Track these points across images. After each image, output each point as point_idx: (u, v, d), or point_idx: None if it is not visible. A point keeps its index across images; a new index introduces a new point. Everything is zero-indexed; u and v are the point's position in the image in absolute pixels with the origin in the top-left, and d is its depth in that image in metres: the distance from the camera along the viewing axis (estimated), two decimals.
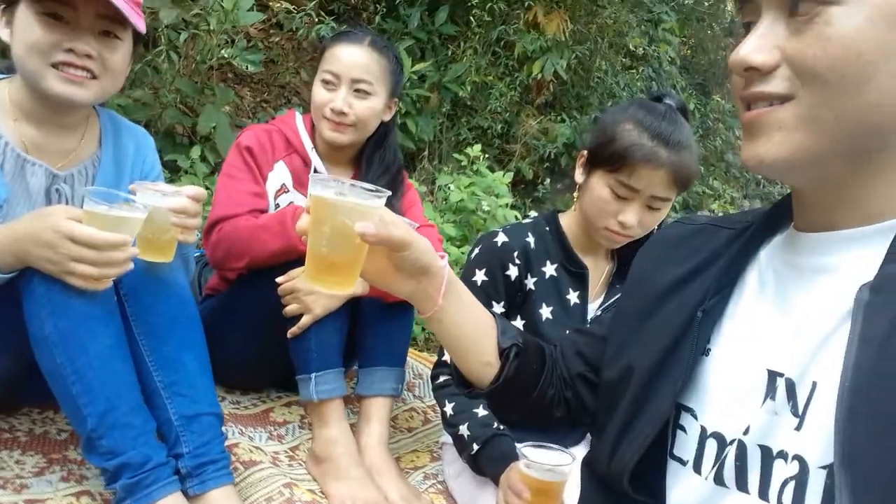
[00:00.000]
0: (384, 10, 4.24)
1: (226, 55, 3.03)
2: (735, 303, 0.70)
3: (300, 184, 1.61)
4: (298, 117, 1.66)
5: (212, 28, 2.59)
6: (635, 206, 1.30)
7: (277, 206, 1.59)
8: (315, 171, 1.61)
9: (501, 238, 1.40)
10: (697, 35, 6.35)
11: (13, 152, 1.22)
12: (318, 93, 1.56)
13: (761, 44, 0.59)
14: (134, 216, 1.06)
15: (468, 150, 3.03)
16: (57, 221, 1.00)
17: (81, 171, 1.32)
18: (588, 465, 0.83)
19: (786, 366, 0.62)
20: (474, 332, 0.84)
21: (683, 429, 0.70)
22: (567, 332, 1.39)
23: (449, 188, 2.80)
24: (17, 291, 1.06)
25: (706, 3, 6.37)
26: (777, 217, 0.72)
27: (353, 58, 1.54)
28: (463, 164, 3.02)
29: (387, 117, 1.64)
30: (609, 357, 0.81)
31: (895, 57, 0.54)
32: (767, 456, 0.61)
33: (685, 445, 0.69)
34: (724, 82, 6.24)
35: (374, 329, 1.53)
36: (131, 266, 1.07)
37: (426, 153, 3.92)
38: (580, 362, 0.89)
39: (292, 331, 1.41)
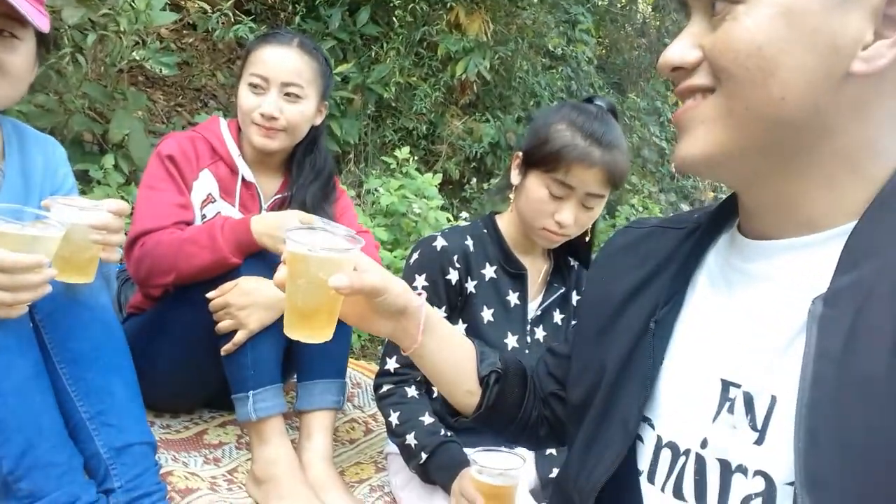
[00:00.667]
0: (304, 10, 4.15)
1: (137, 57, 2.87)
2: (687, 308, 0.70)
3: (227, 193, 1.54)
4: (223, 123, 1.59)
5: (122, 29, 2.43)
6: (571, 204, 1.32)
7: (204, 216, 1.51)
8: (243, 179, 1.55)
9: (441, 242, 1.39)
10: (612, 35, 6.57)
11: None
12: (246, 97, 1.49)
13: (682, 44, 0.61)
14: (49, 235, 0.98)
15: (397, 152, 3.01)
16: None
17: None
18: (558, 483, 0.83)
19: (741, 377, 0.61)
20: (456, 363, 0.86)
21: (641, 439, 0.69)
22: (509, 334, 1.41)
23: (378, 191, 2.76)
24: None
25: (619, 5, 6.61)
26: (721, 217, 0.72)
27: (281, 60, 1.49)
28: (392, 166, 2.99)
29: (318, 121, 1.59)
30: (573, 377, 0.82)
31: (795, 52, 0.55)
32: (726, 470, 0.61)
33: (642, 456, 0.68)
34: (639, 81, 6.50)
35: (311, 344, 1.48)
36: (49, 289, 0.98)
37: (352, 156, 3.86)
38: (551, 381, 0.90)
39: (226, 348, 1.35)
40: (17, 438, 0.95)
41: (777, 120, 0.57)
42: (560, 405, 0.89)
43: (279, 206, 1.60)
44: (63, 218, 1.03)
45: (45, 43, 1.24)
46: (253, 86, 1.49)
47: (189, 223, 1.46)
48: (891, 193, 0.57)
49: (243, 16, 3.60)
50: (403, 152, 2.96)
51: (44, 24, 1.14)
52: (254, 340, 1.35)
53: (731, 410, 0.61)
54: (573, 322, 1.46)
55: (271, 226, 1.34)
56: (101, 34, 2.42)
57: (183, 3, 3.54)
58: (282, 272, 0.74)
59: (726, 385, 0.62)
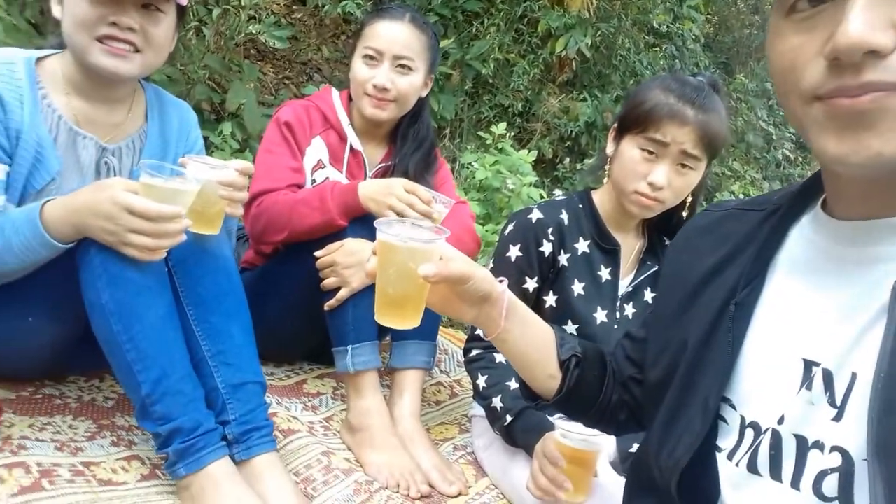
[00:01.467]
0: None
1: (254, 31, 3.04)
2: (768, 289, 0.69)
3: (336, 159, 1.64)
4: (335, 93, 1.68)
5: (242, 4, 2.59)
6: (664, 164, 1.30)
7: (314, 181, 1.62)
8: (351, 147, 1.64)
9: (536, 214, 1.42)
10: (722, 12, 6.24)
11: (66, 125, 1.25)
12: (360, 69, 1.57)
13: (876, 20, 0.49)
14: (187, 188, 1.09)
15: (493, 127, 3.03)
16: (115, 193, 1.03)
17: (129, 145, 1.35)
18: (634, 466, 0.84)
19: (823, 356, 0.61)
20: (537, 348, 0.88)
21: (724, 419, 0.69)
22: (599, 309, 1.43)
23: (473, 166, 2.81)
24: (73, 261, 1.10)
25: None
26: (805, 198, 0.70)
27: (394, 34, 1.56)
28: (487, 142, 3.03)
29: (424, 93, 1.66)
30: (651, 359, 0.82)
31: None
32: (802, 445, 0.61)
33: (726, 436, 0.69)
34: (748, 61, 6.15)
35: None
36: (184, 238, 1.10)
37: (447, 131, 3.92)
38: (629, 365, 0.91)
39: (330, 304, 1.45)
40: (154, 367, 1.08)
41: None
42: (639, 389, 0.89)
43: (383, 174, 1.69)
44: (198, 174, 1.15)
45: (183, 16, 1.36)
46: (367, 58, 1.56)
47: (301, 186, 1.57)
48: None
49: None
50: (500, 128, 2.99)
51: None
52: (355, 298, 1.43)
53: (808, 387, 0.62)
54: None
55: (377, 191, 1.41)
56: (223, 8, 2.58)
57: None
58: (373, 262, 0.78)
59: (808, 365, 0.62)
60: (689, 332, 0.73)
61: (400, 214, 1.36)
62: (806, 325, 0.64)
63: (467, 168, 2.92)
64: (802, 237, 0.68)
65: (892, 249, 0.59)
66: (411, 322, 0.80)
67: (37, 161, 1.21)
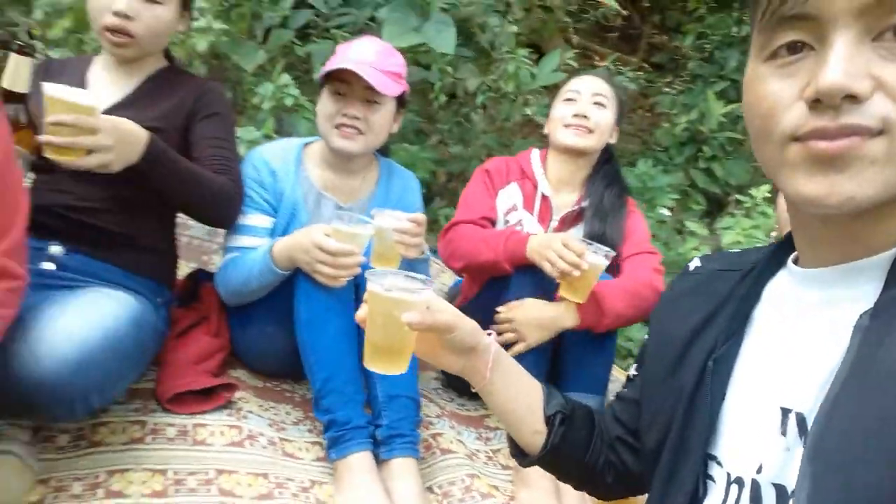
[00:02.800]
0: (702, 56, 4.19)
1: (529, 112, 3.42)
2: (746, 344, 0.70)
3: (529, 204, 1.85)
4: (535, 152, 1.93)
5: (509, 90, 2.98)
6: None
7: (507, 222, 1.85)
8: (542, 194, 1.84)
9: None
10: None
11: (314, 190, 1.71)
12: (559, 108, 1.83)
13: (854, 68, 0.53)
14: (362, 233, 1.40)
15: (752, 190, 2.79)
16: (313, 234, 1.39)
17: (360, 205, 1.75)
18: None
19: (796, 401, 0.61)
20: (522, 402, 0.88)
21: (712, 478, 0.69)
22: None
23: (723, 231, 2.63)
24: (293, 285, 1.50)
25: None
26: (780, 255, 0.71)
27: (591, 79, 1.84)
28: (746, 205, 2.79)
29: (612, 140, 1.84)
30: (646, 422, 0.81)
31: None
32: (782, 494, 0.59)
33: (715, 495, 0.68)
34: None
35: (575, 356, 1.62)
36: (359, 270, 1.40)
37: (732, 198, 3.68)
38: (618, 426, 0.89)
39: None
40: (325, 369, 1.39)
41: None
42: (627, 452, 0.87)
43: (573, 218, 1.84)
44: (379, 223, 1.45)
45: (402, 101, 1.72)
46: (567, 100, 1.82)
47: (492, 220, 1.81)
48: None
49: (651, 68, 3.88)
50: (761, 191, 2.73)
51: (396, 90, 1.61)
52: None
53: (784, 433, 0.61)
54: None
55: (540, 244, 1.54)
56: (489, 96, 3.00)
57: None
58: (363, 309, 0.83)
59: (784, 412, 0.62)
60: (677, 392, 0.74)
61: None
62: (782, 374, 0.64)
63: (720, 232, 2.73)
64: (777, 291, 0.70)
65: (858, 289, 0.59)
66: (397, 368, 0.84)
67: (292, 216, 1.68)
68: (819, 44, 0.55)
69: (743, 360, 0.69)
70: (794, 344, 0.64)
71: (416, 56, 2.83)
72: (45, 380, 1.06)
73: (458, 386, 1.89)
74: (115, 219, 1.41)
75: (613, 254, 1.53)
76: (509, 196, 1.85)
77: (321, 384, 1.39)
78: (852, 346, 0.56)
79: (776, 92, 0.57)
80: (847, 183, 0.53)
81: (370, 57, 1.58)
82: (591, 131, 1.77)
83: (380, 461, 1.38)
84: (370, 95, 1.58)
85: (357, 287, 1.49)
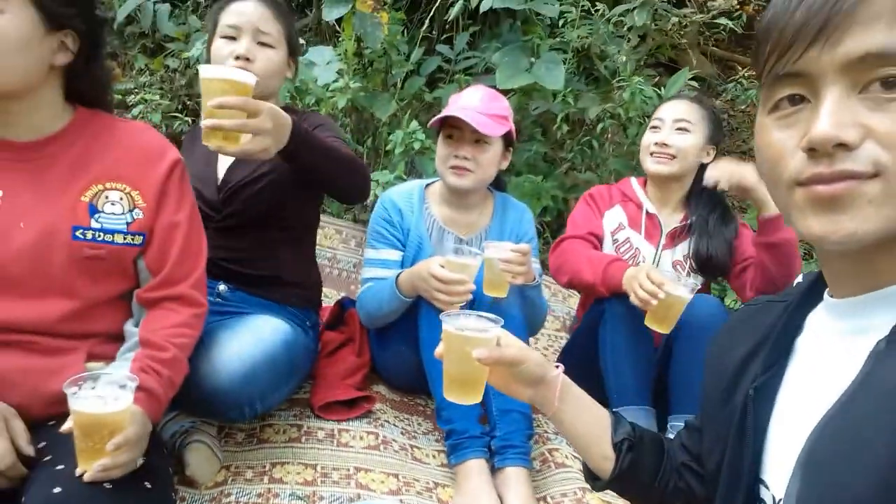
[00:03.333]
0: None
1: None
2: (789, 372, 0.73)
3: (634, 223, 1.98)
4: (633, 180, 2.06)
5: (629, 115, 3.04)
6: None
7: (615, 241, 1.97)
8: (647, 212, 1.96)
9: None
10: None
11: (437, 225, 1.93)
12: (645, 138, 1.96)
13: (843, 119, 0.58)
14: (471, 263, 1.59)
15: None
16: (430, 265, 1.60)
17: (478, 237, 1.95)
18: None
19: None
20: (591, 430, 0.94)
21: (764, 501, 0.72)
22: None
23: None
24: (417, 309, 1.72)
25: None
26: (820, 285, 0.73)
27: (675, 105, 1.94)
28: None
29: (706, 160, 1.91)
30: (707, 448, 0.85)
31: None
32: None
33: None
34: None
35: (681, 378, 1.68)
36: (469, 297, 1.59)
37: None
38: (683, 453, 0.93)
39: None
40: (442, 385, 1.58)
41: None
42: (693, 478, 0.91)
43: (678, 233, 1.95)
44: (488, 254, 1.63)
45: (510, 140, 1.89)
46: (653, 128, 1.95)
47: (597, 235, 1.95)
48: None
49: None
50: None
51: (500, 131, 1.79)
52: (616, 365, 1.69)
53: None
54: None
55: (630, 275, 1.63)
56: (610, 122, 3.08)
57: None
58: (440, 347, 0.93)
59: None
60: (729, 420, 0.79)
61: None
62: (820, 401, 0.67)
63: None
64: (817, 321, 0.74)
65: (879, 318, 0.63)
66: (472, 399, 0.95)
67: (418, 249, 1.91)
68: (814, 97, 0.61)
69: (786, 387, 0.73)
70: (825, 372, 0.68)
71: (540, 90, 2.99)
72: (219, 389, 1.37)
73: None
74: (261, 264, 1.68)
75: (699, 286, 1.59)
76: (615, 216, 1.99)
77: (440, 398, 1.59)
78: (864, 368, 0.60)
79: (779, 141, 0.64)
80: (848, 222, 0.59)
81: (476, 103, 1.78)
82: (673, 157, 1.86)
83: (494, 469, 1.54)
84: (478, 136, 1.78)
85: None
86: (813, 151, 0.59)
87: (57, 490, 0.96)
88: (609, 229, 1.98)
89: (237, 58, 1.56)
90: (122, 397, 1.00)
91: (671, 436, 1.61)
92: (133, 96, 3.21)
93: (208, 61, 1.67)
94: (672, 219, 1.96)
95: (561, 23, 3.06)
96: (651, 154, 1.90)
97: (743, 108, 4.72)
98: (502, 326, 1.62)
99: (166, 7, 3.39)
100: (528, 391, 0.94)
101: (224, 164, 1.68)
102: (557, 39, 2.87)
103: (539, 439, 1.76)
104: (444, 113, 1.77)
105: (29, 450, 1.04)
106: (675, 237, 1.93)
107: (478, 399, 0.96)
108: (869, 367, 0.60)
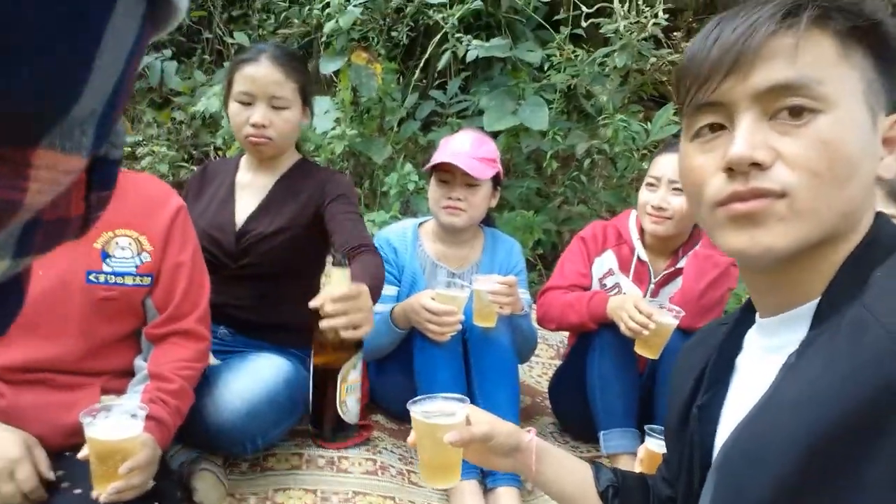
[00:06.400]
0: None
1: (645, 167, 3.56)
2: (731, 390, 0.77)
3: (624, 268, 2.00)
4: (632, 216, 2.04)
5: (616, 151, 3.17)
6: None
7: (604, 285, 2.00)
8: (638, 258, 1.98)
9: None
10: None
11: (430, 260, 2.04)
12: (642, 195, 1.92)
13: (756, 141, 0.63)
14: (460, 295, 1.69)
15: None
16: (421, 298, 1.70)
17: (469, 270, 2.05)
18: None
19: None
20: (574, 484, 0.95)
21: None
22: None
23: None
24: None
25: None
26: (753, 305, 0.78)
27: (670, 161, 1.87)
28: None
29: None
30: (673, 476, 0.89)
31: (864, 160, 0.63)
32: None
33: None
34: None
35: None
36: (459, 328, 1.68)
37: None
38: (665, 486, 0.96)
39: None
40: None
41: (844, 215, 0.64)
42: None
43: (667, 280, 1.96)
44: (475, 286, 1.73)
45: (497, 180, 2.01)
46: (649, 185, 1.90)
47: (585, 288, 1.98)
48: (853, 263, 0.65)
49: None
50: None
51: (489, 174, 1.91)
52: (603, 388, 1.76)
53: None
54: None
55: (617, 305, 1.73)
56: (598, 158, 3.21)
57: None
58: (412, 435, 0.97)
59: None
60: (685, 443, 0.82)
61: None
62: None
63: None
64: (751, 339, 0.78)
65: (794, 335, 0.67)
66: (450, 481, 0.98)
67: (412, 283, 2.01)
68: (730, 124, 0.67)
69: (728, 405, 0.76)
70: (756, 389, 0.69)
71: (528, 130, 3.14)
72: (222, 428, 1.47)
73: (572, 430, 2.08)
74: (267, 313, 1.77)
75: (683, 314, 1.67)
76: (605, 261, 2.01)
77: None
78: (774, 382, 0.64)
79: (700, 166, 0.69)
80: (764, 237, 0.63)
81: (467, 148, 1.90)
82: (670, 218, 1.84)
83: (486, 490, 1.61)
84: (469, 180, 1.89)
85: (465, 341, 1.77)
86: (731, 171, 0.65)
87: None
88: (597, 276, 2.02)
89: (253, 125, 1.66)
90: (134, 426, 1.09)
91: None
92: (141, 148, 3.38)
93: (226, 116, 1.79)
94: (661, 264, 1.97)
95: (547, 66, 3.22)
96: (648, 213, 1.89)
97: None
98: (492, 352, 1.75)
99: (173, 64, 3.58)
100: (506, 461, 0.96)
101: (243, 212, 1.77)
102: (543, 82, 3.02)
103: None
104: (437, 159, 1.89)
105: (50, 475, 1.14)
106: (663, 284, 1.97)
107: (456, 480, 1.00)
108: (778, 380, 0.64)
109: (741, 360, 0.78)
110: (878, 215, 0.68)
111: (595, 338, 1.82)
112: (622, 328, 1.68)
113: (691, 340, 0.92)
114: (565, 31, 3.23)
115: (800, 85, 0.62)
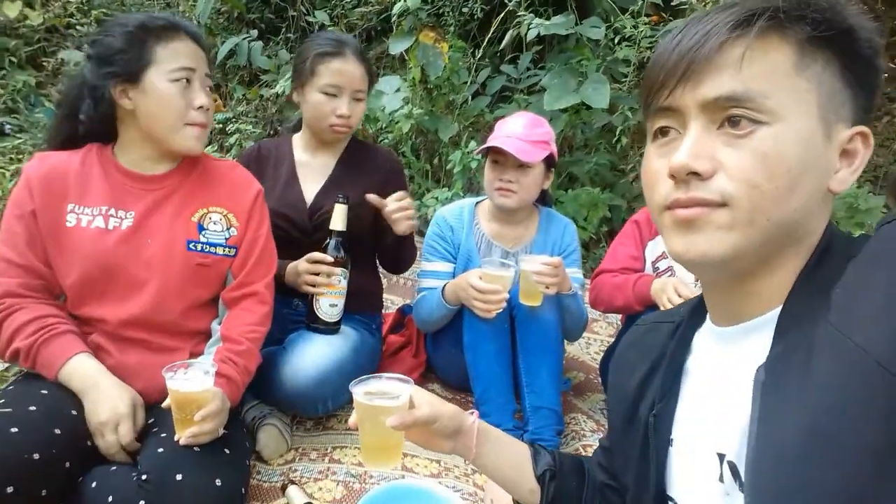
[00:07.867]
0: None
1: None
2: (683, 393, 0.78)
3: None
4: None
5: None
6: None
7: (657, 269, 2.02)
8: None
9: None
10: None
11: (485, 239, 2.13)
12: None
13: (699, 151, 0.64)
14: (505, 274, 1.78)
15: None
16: (468, 277, 1.80)
17: (523, 249, 2.13)
18: None
19: (727, 448, 0.69)
20: (513, 467, 0.98)
21: None
22: None
23: None
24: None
25: None
26: (702, 307, 0.79)
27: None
28: None
29: None
30: (619, 469, 0.89)
31: (808, 173, 0.64)
32: None
33: None
34: None
35: None
36: (504, 305, 1.78)
37: None
38: (601, 472, 0.98)
39: None
40: (482, 382, 1.77)
41: (787, 226, 0.65)
42: (614, 495, 0.95)
43: None
44: (523, 266, 1.81)
45: (551, 161, 2.06)
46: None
47: (637, 270, 2.00)
48: (808, 274, 0.67)
49: None
50: None
51: (540, 156, 1.96)
52: None
53: (722, 479, 0.71)
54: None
55: (659, 288, 1.75)
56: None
57: None
58: (353, 417, 0.94)
59: (720, 458, 0.71)
60: (633, 442, 0.83)
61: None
62: (714, 422, 0.73)
63: None
64: (702, 344, 0.79)
65: (755, 345, 0.68)
66: (392, 463, 0.97)
67: (468, 261, 2.11)
68: (683, 129, 0.67)
69: (682, 408, 0.77)
70: (715, 395, 0.72)
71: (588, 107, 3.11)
72: (297, 391, 1.67)
73: None
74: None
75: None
76: (658, 245, 2.01)
77: (479, 394, 1.79)
78: (755, 399, 0.62)
79: (655, 169, 0.70)
80: (701, 243, 0.65)
81: (519, 130, 1.96)
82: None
83: None
84: (521, 161, 1.95)
85: (512, 319, 1.87)
86: (674, 178, 0.66)
87: (161, 450, 1.25)
88: (651, 259, 2.02)
89: (339, 116, 1.84)
90: (206, 380, 1.27)
91: None
92: (231, 125, 3.64)
93: (297, 101, 1.95)
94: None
95: (618, 39, 3.17)
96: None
97: None
98: (537, 329, 1.84)
99: (259, 44, 3.79)
100: (448, 443, 0.96)
101: (310, 190, 1.94)
102: (609, 59, 2.98)
103: (575, 435, 1.91)
104: (489, 143, 1.96)
105: (140, 427, 1.35)
106: None
107: (397, 462, 1.02)
108: (759, 397, 0.62)
109: (692, 364, 0.79)
110: (829, 224, 0.68)
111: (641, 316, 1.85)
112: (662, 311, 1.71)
113: (630, 336, 0.93)
114: (640, 2, 3.16)
115: (744, 98, 0.63)
